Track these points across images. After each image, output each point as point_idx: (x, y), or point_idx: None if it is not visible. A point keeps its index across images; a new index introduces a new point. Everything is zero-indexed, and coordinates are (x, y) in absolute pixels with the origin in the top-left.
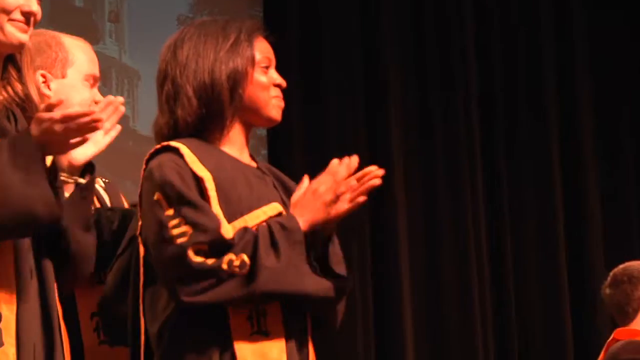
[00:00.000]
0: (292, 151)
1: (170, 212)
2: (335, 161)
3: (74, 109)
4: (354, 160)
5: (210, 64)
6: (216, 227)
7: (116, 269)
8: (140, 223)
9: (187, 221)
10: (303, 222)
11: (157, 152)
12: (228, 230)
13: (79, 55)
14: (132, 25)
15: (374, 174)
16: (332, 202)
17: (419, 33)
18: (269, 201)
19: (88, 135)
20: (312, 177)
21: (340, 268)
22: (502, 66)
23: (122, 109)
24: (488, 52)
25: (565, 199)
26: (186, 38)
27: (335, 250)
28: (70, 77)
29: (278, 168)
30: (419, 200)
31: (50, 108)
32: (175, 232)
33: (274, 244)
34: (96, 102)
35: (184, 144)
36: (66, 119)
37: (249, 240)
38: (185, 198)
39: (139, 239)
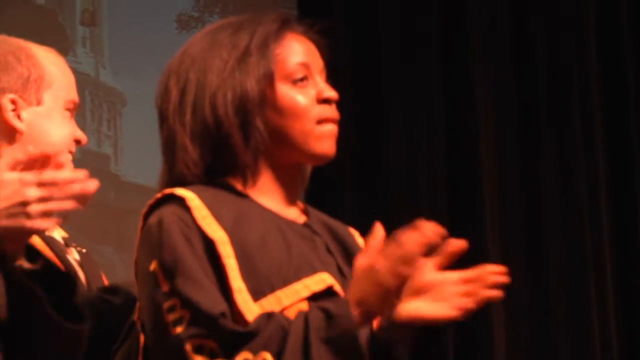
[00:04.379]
0: (341, 200)
1: (166, 288)
2: (426, 226)
3: (59, 172)
4: (435, 230)
5: (212, 93)
6: (216, 314)
7: None
8: (138, 304)
9: (183, 303)
10: (359, 311)
11: (158, 204)
12: (249, 312)
13: (57, 74)
14: (114, 29)
15: (492, 270)
16: (395, 288)
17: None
18: (313, 271)
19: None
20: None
21: None
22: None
23: (93, 186)
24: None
25: None
26: (187, 55)
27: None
28: (46, 104)
29: None
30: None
31: (16, 166)
32: (170, 317)
33: (306, 349)
34: (77, 140)
35: (195, 192)
36: (46, 184)
37: (275, 333)
38: (185, 270)
39: (138, 324)
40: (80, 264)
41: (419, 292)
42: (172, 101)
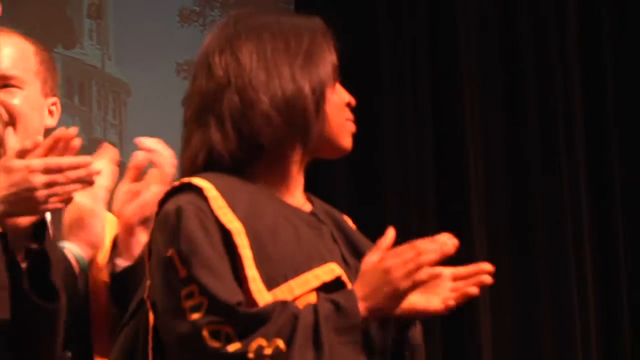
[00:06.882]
0: (334, 194)
1: (184, 274)
2: (443, 238)
3: (65, 158)
4: (452, 242)
5: (289, 73)
6: (233, 303)
7: (121, 343)
8: (148, 283)
9: (201, 290)
10: (364, 306)
11: (175, 192)
12: (263, 301)
13: None
14: (119, 22)
15: (483, 269)
16: (406, 289)
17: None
18: (323, 260)
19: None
20: (369, 233)
21: None
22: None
23: (77, 142)
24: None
25: None
26: (242, 37)
27: (415, 335)
28: None
29: None
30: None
31: (22, 154)
32: (188, 303)
33: (316, 338)
34: None
35: (210, 182)
36: (52, 170)
37: (287, 320)
38: (203, 258)
39: (147, 303)
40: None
41: None
42: (245, 71)
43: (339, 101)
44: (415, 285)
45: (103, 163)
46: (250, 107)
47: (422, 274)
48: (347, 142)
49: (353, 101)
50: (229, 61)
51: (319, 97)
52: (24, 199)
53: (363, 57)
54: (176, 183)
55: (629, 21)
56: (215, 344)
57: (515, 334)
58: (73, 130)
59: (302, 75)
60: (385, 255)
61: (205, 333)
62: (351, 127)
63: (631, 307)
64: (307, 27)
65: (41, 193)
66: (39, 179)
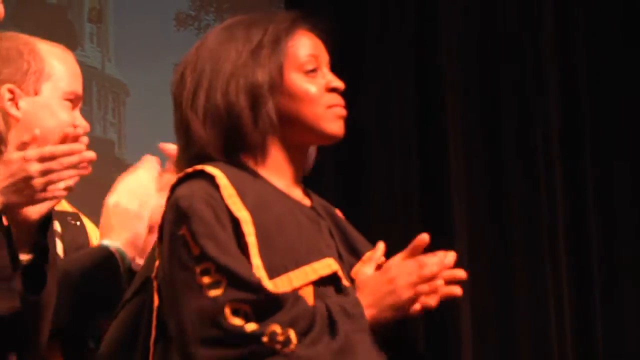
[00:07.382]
0: (322, 182)
1: (197, 252)
2: (441, 254)
3: (58, 146)
4: (451, 256)
5: (225, 81)
6: (258, 282)
7: (122, 319)
8: (157, 263)
9: (219, 268)
10: (369, 313)
11: (187, 178)
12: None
13: (58, 68)
14: (119, 26)
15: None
16: (408, 300)
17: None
18: (321, 255)
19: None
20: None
21: None
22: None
23: (90, 155)
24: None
25: None
26: (203, 48)
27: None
28: (44, 94)
29: None
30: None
31: (21, 147)
32: (205, 280)
33: (331, 324)
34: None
35: (222, 170)
36: (46, 158)
37: (304, 315)
38: (216, 238)
39: (154, 283)
40: (61, 235)
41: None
42: (186, 88)
43: (313, 92)
44: (417, 297)
45: (147, 173)
46: (188, 126)
47: (425, 286)
48: (332, 127)
49: (340, 85)
50: (176, 78)
51: (256, 101)
52: (22, 188)
53: (348, 58)
54: (189, 170)
55: (603, 22)
56: (235, 322)
57: (493, 329)
58: (91, 154)
59: (238, 83)
60: (389, 265)
61: (227, 310)
62: (338, 112)
63: (604, 303)
64: (262, 26)
65: (38, 181)
66: (35, 167)
